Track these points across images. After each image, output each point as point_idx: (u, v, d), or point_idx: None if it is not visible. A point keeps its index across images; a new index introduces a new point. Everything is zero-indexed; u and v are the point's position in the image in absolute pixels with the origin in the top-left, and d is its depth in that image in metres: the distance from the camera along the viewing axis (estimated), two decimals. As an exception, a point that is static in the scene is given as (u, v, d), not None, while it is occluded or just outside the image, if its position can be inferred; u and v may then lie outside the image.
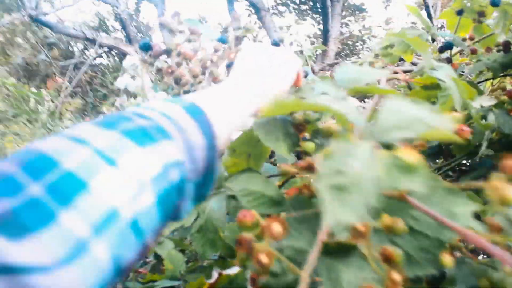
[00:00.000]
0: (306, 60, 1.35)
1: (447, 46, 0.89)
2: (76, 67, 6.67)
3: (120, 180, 0.29)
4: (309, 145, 0.52)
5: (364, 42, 8.36)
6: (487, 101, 0.91)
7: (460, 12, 0.93)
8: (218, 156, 0.39)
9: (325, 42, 5.48)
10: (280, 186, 0.58)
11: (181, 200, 0.35)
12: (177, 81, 0.70)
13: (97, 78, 7.26)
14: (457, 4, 0.93)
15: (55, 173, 0.27)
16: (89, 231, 0.26)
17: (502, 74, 0.94)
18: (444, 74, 0.62)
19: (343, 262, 0.36)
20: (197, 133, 0.36)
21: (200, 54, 0.70)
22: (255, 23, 8.08)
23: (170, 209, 0.33)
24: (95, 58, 7.11)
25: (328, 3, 5.53)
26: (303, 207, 0.45)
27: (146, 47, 0.64)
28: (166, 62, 0.68)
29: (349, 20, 8.21)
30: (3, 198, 0.25)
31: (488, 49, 0.95)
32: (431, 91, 0.74)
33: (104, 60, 7.87)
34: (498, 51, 0.93)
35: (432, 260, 0.38)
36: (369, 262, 0.34)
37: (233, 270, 0.48)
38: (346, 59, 7.00)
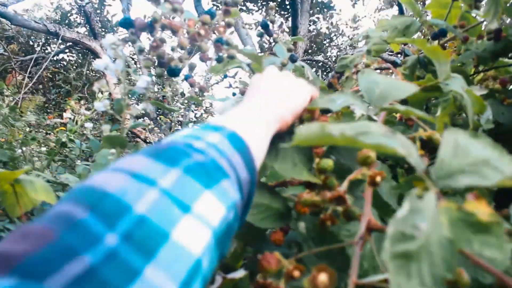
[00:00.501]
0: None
1: (441, 33, 0.86)
2: (37, 62, 6.41)
3: (198, 229, 0.28)
4: (327, 163, 0.46)
5: (331, 40, 8.42)
6: (477, 91, 0.88)
7: (453, -2, 0.90)
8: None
9: (295, 38, 5.46)
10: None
11: (231, 236, 0.35)
12: (160, 58, 0.64)
13: (60, 74, 7.00)
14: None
15: (129, 219, 0.25)
16: None
17: (493, 66, 0.91)
18: (459, 86, 0.58)
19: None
20: (244, 169, 0.37)
21: (186, 27, 0.63)
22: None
23: (224, 249, 0.33)
24: (57, 54, 6.86)
25: (297, 0, 5.51)
26: (327, 241, 0.40)
27: (127, 24, 0.57)
28: (149, 38, 0.62)
29: (317, 18, 8.24)
30: (81, 253, 0.22)
31: (480, 37, 0.93)
32: (429, 93, 0.71)
33: (67, 56, 7.61)
34: (489, 39, 0.91)
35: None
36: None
37: (238, 274, 0.42)
38: (313, 56, 7.04)
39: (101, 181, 0.27)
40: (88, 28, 6.05)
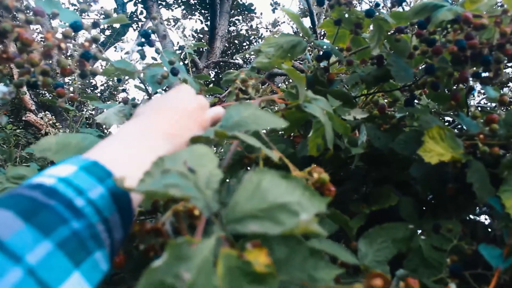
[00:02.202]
0: (184, 57, 1.27)
1: (325, 55, 0.87)
2: None
3: None
4: None
5: (250, 42, 8.50)
6: (359, 113, 0.91)
7: (338, 22, 0.92)
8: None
9: (212, 39, 5.43)
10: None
11: None
12: (19, 68, 0.58)
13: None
14: (336, 14, 0.92)
15: None
16: None
17: (376, 90, 0.95)
18: (319, 109, 0.59)
19: None
20: (119, 229, 0.36)
21: (43, 39, 0.58)
22: (141, 13, 7.76)
23: None
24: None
25: (217, 0, 5.49)
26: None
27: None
28: (-1, 47, 0.55)
29: (237, 19, 8.28)
30: None
31: (363, 61, 0.96)
32: (305, 113, 0.71)
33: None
34: (372, 64, 0.94)
35: None
36: None
37: None
38: (232, 58, 7.05)
39: None
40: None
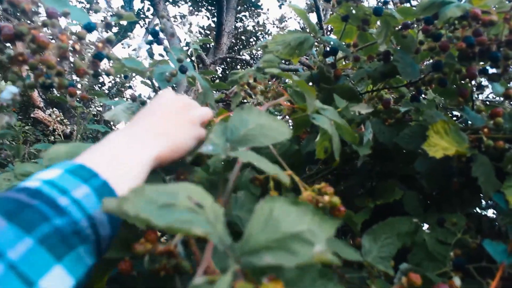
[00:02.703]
0: (191, 54, 1.28)
1: (332, 51, 0.88)
2: None
3: None
4: None
5: (257, 38, 8.48)
6: (364, 108, 0.92)
7: (345, 18, 0.93)
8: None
9: (218, 35, 5.43)
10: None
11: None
12: (34, 70, 0.59)
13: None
14: (343, 10, 0.92)
15: None
16: None
17: (382, 85, 0.95)
18: (327, 121, 0.59)
19: None
20: (107, 227, 0.37)
21: (58, 41, 0.59)
22: (148, 9, 7.77)
23: None
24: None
25: (223, -4, 5.48)
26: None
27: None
28: (12, 49, 0.56)
29: (244, 15, 8.27)
30: None
31: (370, 57, 0.96)
32: None
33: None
34: (379, 60, 0.94)
35: None
36: None
37: None
38: (239, 54, 7.04)
39: None
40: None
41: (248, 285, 0.24)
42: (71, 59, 0.61)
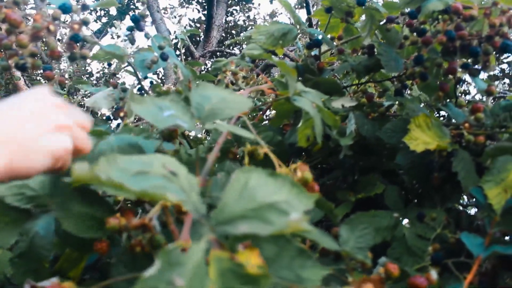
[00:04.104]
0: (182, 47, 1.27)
1: (314, 43, 0.87)
2: None
3: None
4: None
5: (248, 33, 8.44)
6: (348, 102, 0.91)
7: (328, 10, 0.92)
8: None
9: (208, 28, 5.40)
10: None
11: None
12: (6, 51, 0.57)
13: None
14: (327, 2, 0.92)
15: None
16: None
17: (365, 80, 0.95)
18: (308, 102, 0.59)
19: None
20: None
21: (32, 21, 0.57)
22: (138, 0, 7.69)
23: None
24: None
25: (214, -11, 5.45)
26: (137, 268, 0.38)
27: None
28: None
29: (235, 10, 8.23)
30: None
31: (354, 51, 0.96)
32: (294, 105, 0.72)
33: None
34: (363, 53, 0.94)
35: None
36: None
37: (48, 283, 0.38)
38: (229, 48, 7.02)
39: None
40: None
41: (223, 253, 0.24)
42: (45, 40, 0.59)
